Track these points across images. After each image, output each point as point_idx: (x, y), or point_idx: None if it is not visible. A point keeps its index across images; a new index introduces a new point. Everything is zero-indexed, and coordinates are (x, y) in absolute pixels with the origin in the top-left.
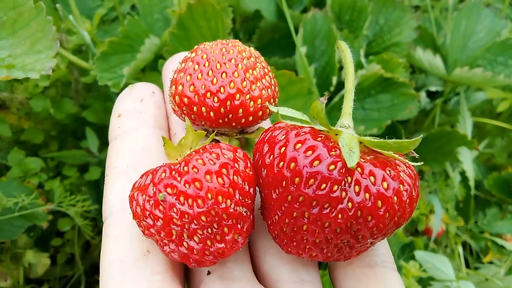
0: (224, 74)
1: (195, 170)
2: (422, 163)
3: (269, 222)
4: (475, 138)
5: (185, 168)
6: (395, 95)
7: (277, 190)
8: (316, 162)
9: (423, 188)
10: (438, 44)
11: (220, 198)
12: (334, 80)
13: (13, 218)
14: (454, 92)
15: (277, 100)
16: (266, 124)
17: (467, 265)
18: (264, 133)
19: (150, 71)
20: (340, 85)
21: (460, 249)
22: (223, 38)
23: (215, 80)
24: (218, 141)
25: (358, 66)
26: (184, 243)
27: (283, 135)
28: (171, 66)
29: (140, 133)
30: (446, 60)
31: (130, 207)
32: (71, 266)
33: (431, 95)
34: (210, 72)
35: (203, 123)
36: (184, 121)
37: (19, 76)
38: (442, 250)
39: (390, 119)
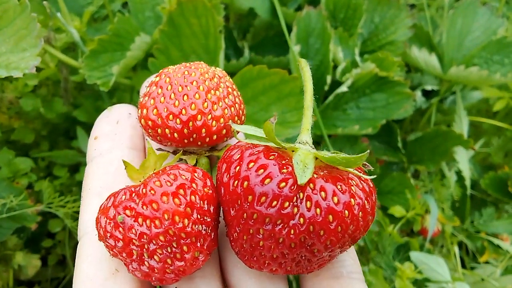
0: (185, 97)
1: (152, 192)
2: (374, 176)
3: (231, 239)
4: (471, 137)
5: (144, 190)
6: (390, 94)
7: (234, 207)
8: (267, 180)
9: (419, 188)
10: (434, 43)
11: (176, 218)
12: (329, 79)
13: (1, 219)
14: (450, 91)
15: (243, 117)
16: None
17: (463, 265)
18: (225, 152)
19: (142, 69)
20: (335, 84)
21: (456, 249)
22: (214, 36)
23: (176, 102)
24: (185, 161)
25: (353, 64)
26: (145, 263)
27: (238, 154)
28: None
29: (114, 155)
30: (442, 58)
31: (96, 228)
32: (62, 268)
33: (427, 94)
34: (172, 95)
35: (168, 143)
36: (152, 140)
37: (2, 74)
38: (438, 250)
39: (385, 118)
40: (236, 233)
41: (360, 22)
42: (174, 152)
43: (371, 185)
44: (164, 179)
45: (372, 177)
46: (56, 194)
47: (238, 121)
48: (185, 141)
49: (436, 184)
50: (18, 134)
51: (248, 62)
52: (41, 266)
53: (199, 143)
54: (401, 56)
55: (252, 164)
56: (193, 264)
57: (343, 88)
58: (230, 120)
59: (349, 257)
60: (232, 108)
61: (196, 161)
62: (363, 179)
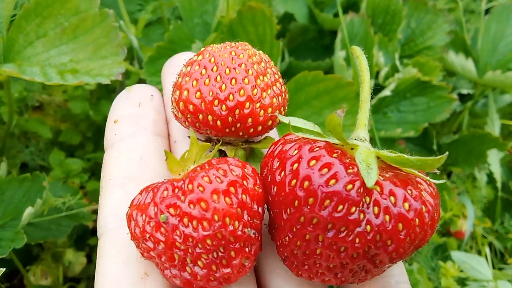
0: (233, 80)
1: (201, 188)
2: (444, 181)
3: (278, 243)
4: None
5: (190, 186)
6: (431, 98)
7: (288, 210)
8: (333, 181)
9: (453, 189)
10: (469, 48)
11: (227, 220)
12: (372, 83)
13: (60, 218)
14: (483, 94)
15: (286, 108)
16: (272, 133)
17: (492, 266)
18: (274, 146)
19: None
20: (376, 88)
21: (487, 250)
22: (270, 42)
23: (223, 86)
24: (223, 152)
25: (394, 69)
26: (187, 268)
27: (296, 149)
28: (171, 67)
29: (138, 141)
30: (476, 63)
31: (128, 227)
32: None
33: (461, 98)
34: (219, 78)
35: (208, 131)
36: (187, 128)
37: (89, 81)
38: (467, 251)
39: (426, 121)
40: (287, 238)
41: (399, 28)
42: (207, 141)
43: (437, 190)
44: (214, 175)
45: (440, 181)
46: None
47: (283, 112)
48: (227, 130)
49: (468, 186)
50: (66, 135)
51: (288, 66)
52: (86, 263)
53: (240, 133)
54: (438, 61)
55: (314, 162)
56: (239, 271)
57: (387, 92)
58: (277, 111)
59: (397, 266)
60: (280, 97)
61: (234, 153)
62: (429, 183)
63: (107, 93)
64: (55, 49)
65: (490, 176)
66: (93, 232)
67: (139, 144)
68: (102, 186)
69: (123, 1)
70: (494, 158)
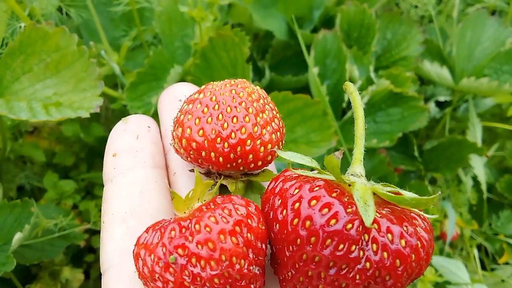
0: (235, 119)
1: (208, 229)
2: (437, 215)
3: (281, 278)
4: (486, 141)
5: (197, 227)
6: (405, 108)
7: (291, 247)
8: (333, 221)
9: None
10: (444, 55)
11: (234, 259)
12: (346, 96)
13: (53, 239)
14: (462, 99)
15: (283, 142)
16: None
17: (483, 267)
18: (274, 183)
19: None
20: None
21: (475, 251)
22: (242, 66)
23: (225, 125)
24: (224, 186)
25: (368, 81)
26: None
27: (296, 189)
28: (167, 99)
29: (137, 175)
30: (453, 70)
31: (135, 265)
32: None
33: (440, 104)
34: (220, 116)
35: (210, 167)
36: (188, 162)
37: (71, 115)
38: (458, 253)
39: (401, 131)
40: (290, 273)
41: (374, 41)
42: (207, 173)
43: (430, 224)
44: (220, 215)
45: (433, 216)
46: (99, 213)
47: (281, 147)
48: (228, 165)
49: (453, 190)
50: (59, 157)
51: (269, 82)
52: (84, 280)
53: (241, 168)
54: (414, 70)
55: (314, 201)
56: None
57: None
58: (276, 146)
59: None
60: (278, 133)
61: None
62: (423, 217)
63: (97, 115)
64: (40, 83)
65: (475, 180)
66: (90, 249)
67: (139, 178)
68: (104, 221)
69: (109, 27)
70: (477, 161)
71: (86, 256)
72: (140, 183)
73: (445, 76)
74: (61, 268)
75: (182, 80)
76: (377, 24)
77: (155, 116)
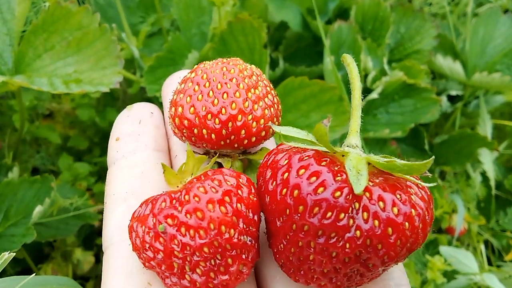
0: (225, 95)
1: (197, 199)
2: (435, 184)
3: (275, 250)
4: (495, 140)
5: (186, 197)
6: (418, 100)
7: (281, 218)
8: (321, 189)
9: (445, 188)
10: (457, 50)
11: (223, 228)
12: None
13: (68, 217)
14: (474, 95)
15: (280, 118)
16: (269, 143)
17: (490, 263)
18: (267, 156)
19: None
20: (365, 92)
21: (482, 247)
22: (259, 51)
23: (216, 101)
24: (220, 164)
25: (382, 73)
26: (187, 276)
27: (286, 159)
28: (170, 85)
29: (139, 157)
30: (465, 65)
31: (130, 239)
32: None
33: (452, 99)
34: (211, 93)
35: (204, 145)
36: (184, 142)
37: (90, 90)
38: (464, 248)
39: (413, 122)
40: (282, 245)
41: (388, 33)
42: (205, 154)
43: (429, 193)
44: (209, 185)
45: (431, 184)
46: None
47: (276, 122)
48: (222, 142)
49: (462, 185)
50: (74, 141)
51: (283, 72)
52: (94, 263)
53: (235, 145)
54: (427, 64)
55: (303, 170)
56: (237, 278)
57: (374, 95)
58: (270, 121)
59: (397, 269)
60: (272, 109)
61: (231, 165)
62: (420, 186)
63: (112, 100)
64: (61, 61)
65: (484, 175)
66: (100, 232)
67: (140, 160)
68: (106, 202)
69: (126, 14)
70: (487, 157)
71: (97, 239)
72: (142, 164)
73: (458, 70)
74: (73, 249)
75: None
76: (391, 17)
77: None
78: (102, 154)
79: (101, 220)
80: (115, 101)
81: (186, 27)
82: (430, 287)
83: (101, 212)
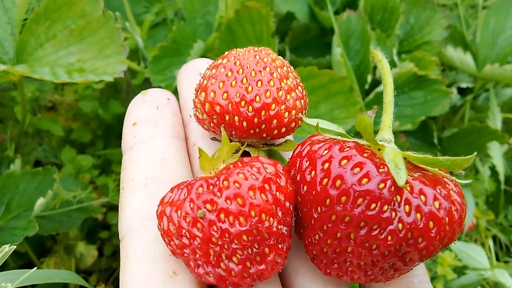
0: (259, 83)
1: (237, 185)
2: (470, 181)
3: (307, 242)
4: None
5: (225, 183)
6: (428, 92)
7: (319, 208)
8: (365, 180)
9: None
10: (468, 42)
11: (263, 215)
12: (369, 78)
13: (71, 211)
14: (483, 88)
15: (306, 111)
16: (290, 136)
17: (497, 259)
18: (301, 147)
19: None
20: (374, 83)
21: (490, 242)
22: (267, 40)
23: (250, 88)
24: (245, 154)
25: (391, 64)
26: (222, 264)
27: (326, 149)
28: (186, 72)
29: (158, 143)
30: (476, 57)
31: (159, 224)
32: (115, 258)
33: (461, 92)
34: (245, 80)
35: (233, 133)
36: (209, 130)
37: (94, 79)
38: (472, 243)
39: (423, 115)
40: (317, 236)
41: (397, 24)
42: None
43: (461, 190)
44: (249, 172)
45: (466, 181)
46: (117, 188)
47: (305, 115)
48: (251, 131)
49: (471, 179)
50: (77, 134)
51: (289, 63)
52: (97, 257)
53: (264, 135)
54: (437, 56)
55: (345, 161)
56: (273, 268)
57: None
58: (300, 113)
59: (420, 266)
60: (302, 100)
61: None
62: (454, 182)
63: (115, 92)
64: (63, 50)
65: (493, 169)
66: (104, 226)
67: (159, 146)
68: (124, 187)
69: (130, 4)
70: (496, 151)
71: (100, 232)
72: (161, 151)
73: (468, 62)
74: (75, 243)
75: (203, 56)
76: (401, 7)
77: (176, 92)
78: (105, 147)
79: (104, 214)
80: (118, 93)
81: (191, 17)
82: (440, 282)
83: (105, 205)
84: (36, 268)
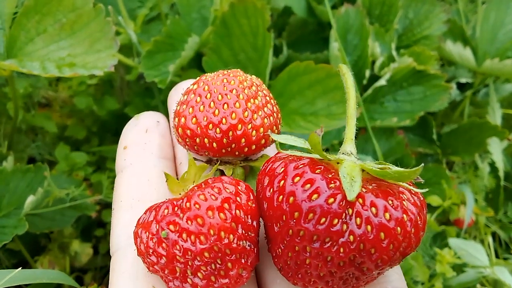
0: (225, 105)
1: (197, 206)
2: (427, 190)
3: (274, 255)
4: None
5: (187, 204)
6: (427, 87)
7: (278, 223)
8: (315, 196)
9: (453, 179)
10: (467, 37)
11: (222, 233)
12: (367, 73)
13: (64, 208)
14: (483, 83)
15: (280, 126)
16: (271, 150)
17: (497, 256)
18: (265, 164)
19: (189, 68)
20: (373, 78)
21: (490, 239)
22: (263, 34)
23: (216, 111)
24: (222, 171)
25: (390, 59)
26: (189, 280)
27: (282, 167)
28: (175, 95)
29: (145, 165)
30: (475, 52)
31: (135, 244)
32: (110, 256)
33: (461, 87)
34: (212, 104)
35: (206, 153)
36: (187, 150)
37: (83, 73)
38: (471, 240)
39: (422, 110)
40: (280, 250)
41: (396, 18)
42: (208, 162)
43: (422, 198)
44: (209, 193)
45: (423, 190)
46: (112, 185)
47: (276, 131)
48: (223, 150)
49: (470, 175)
50: (71, 130)
51: (286, 59)
52: (92, 255)
53: (236, 153)
54: (436, 50)
55: (298, 178)
56: (237, 281)
57: (382, 82)
58: (269, 130)
59: (395, 272)
60: (271, 117)
61: (232, 172)
62: (413, 192)
63: (110, 88)
64: (54, 44)
65: (493, 166)
66: (99, 224)
67: (147, 167)
68: (114, 208)
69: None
70: (496, 147)
71: (95, 230)
72: (148, 172)
73: (468, 57)
74: (70, 241)
75: (199, 51)
76: (399, 1)
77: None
78: (100, 144)
79: (98, 212)
80: (113, 90)
81: (186, 11)
82: (439, 280)
83: (99, 202)
84: (29, 267)
